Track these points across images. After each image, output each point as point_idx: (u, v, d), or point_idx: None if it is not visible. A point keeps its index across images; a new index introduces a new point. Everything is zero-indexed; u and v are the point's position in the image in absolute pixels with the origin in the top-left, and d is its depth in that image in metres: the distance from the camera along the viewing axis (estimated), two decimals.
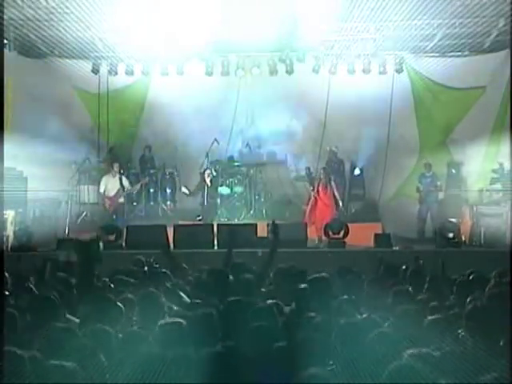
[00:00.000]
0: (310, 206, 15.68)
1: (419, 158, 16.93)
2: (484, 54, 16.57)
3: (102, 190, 15.86)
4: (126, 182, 15.99)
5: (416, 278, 7.37)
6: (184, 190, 16.32)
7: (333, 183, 15.62)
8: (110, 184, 15.85)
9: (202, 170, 16.13)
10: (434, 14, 14.48)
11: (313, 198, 15.72)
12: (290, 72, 16.79)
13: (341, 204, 15.65)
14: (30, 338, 4.86)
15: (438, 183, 16.08)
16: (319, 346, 4.56)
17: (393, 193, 17.44)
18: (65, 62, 17.06)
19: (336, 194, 15.55)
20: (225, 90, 17.56)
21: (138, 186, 16.64)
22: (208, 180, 15.56)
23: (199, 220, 16.06)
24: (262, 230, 14.04)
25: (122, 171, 16.42)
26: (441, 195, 16.38)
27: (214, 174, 16.16)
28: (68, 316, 5.70)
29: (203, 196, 15.61)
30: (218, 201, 16.26)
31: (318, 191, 15.54)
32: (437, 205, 15.97)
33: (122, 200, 15.94)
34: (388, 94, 17.13)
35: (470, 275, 7.34)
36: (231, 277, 6.44)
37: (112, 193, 15.78)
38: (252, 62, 17.03)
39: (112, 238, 13.78)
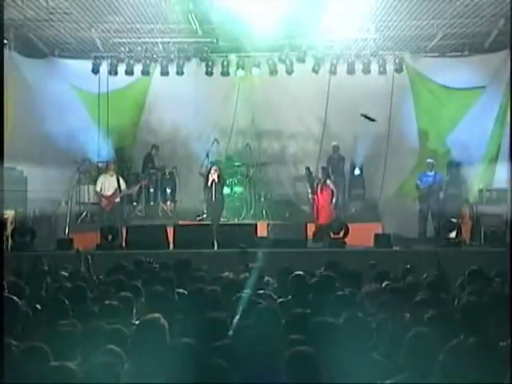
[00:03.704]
0: (314, 208, 15.75)
1: (419, 158, 16.92)
2: (484, 54, 16.58)
3: (98, 189, 15.87)
4: (123, 184, 15.97)
5: None
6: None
7: (329, 182, 15.65)
8: (107, 183, 15.84)
9: (208, 167, 16.00)
10: (434, 13, 14.50)
11: (312, 200, 15.82)
12: (289, 72, 16.81)
13: (334, 201, 15.63)
14: None
15: (442, 183, 16.05)
16: None
17: (393, 192, 17.41)
18: (65, 62, 17.08)
19: (333, 193, 15.58)
20: (225, 90, 17.56)
21: (136, 188, 16.60)
22: (215, 176, 15.42)
23: (199, 220, 16.06)
24: (262, 230, 14.06)
25: (118, 171, 16.41)
26: (441, 195, 16.36)
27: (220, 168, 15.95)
28: None
29: (211, 192, 15.48)
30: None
31: (316, 192, 15.63)
32: (438, 204, 15.93)
33: (118, 200, 15.93)
34: (388, 93, 17.12)
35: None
36: None
37: (108, 192, 15.78)
38: (252, 61, 17.05)
39: (110, 238, 13.76)
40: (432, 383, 4.15)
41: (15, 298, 5.61)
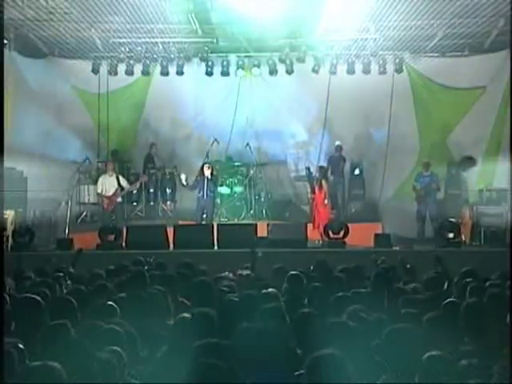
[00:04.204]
0: (312, 208, 15.75)
1: (419, 158, 16.92)
2: (484, 54, 16.58)
3: (99, 190, 15.86)
4: (123, 182, 15.97)
5: None
6: (182, 178, 15.45)
7: (323, 182, 15.63)
8: (108, 184, 15.84)
9: (201, 164, 15.84)
10: (434, 13, 14.49)
11: (311, 200, 15.82)
12: (289, 72, 16.81)
13: (326, 202, 15.59)
14: None
15: (438, 183, 16.05)
16: None
17: (393, 193, 17.42)
18: (65, 62, 17.09)
19: (327, 193, 15.57)
20: (225, 90, 17.57)
21: (137, 185, 16.59)
22: (208, 173, 15.28)
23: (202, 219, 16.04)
24: (262, 230, 14.06)
25: (118, 170, 16.40)
26: (440, 195, 16.37)
27: (215, 167, 15.83)
28: None
29: (202, 189, 15.35)
30: (218, 200, 16.20)
31: (314, 192, 15.66)
32: (435, 204, 15.94)
33: (119, 199, 15.93)
34: (388, 93, 17.12)
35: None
36: None
37: (109, 192, 15.77)
38: (252, 61, 17.05)
39: (111, 238, 13.75)
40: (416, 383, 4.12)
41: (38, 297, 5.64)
